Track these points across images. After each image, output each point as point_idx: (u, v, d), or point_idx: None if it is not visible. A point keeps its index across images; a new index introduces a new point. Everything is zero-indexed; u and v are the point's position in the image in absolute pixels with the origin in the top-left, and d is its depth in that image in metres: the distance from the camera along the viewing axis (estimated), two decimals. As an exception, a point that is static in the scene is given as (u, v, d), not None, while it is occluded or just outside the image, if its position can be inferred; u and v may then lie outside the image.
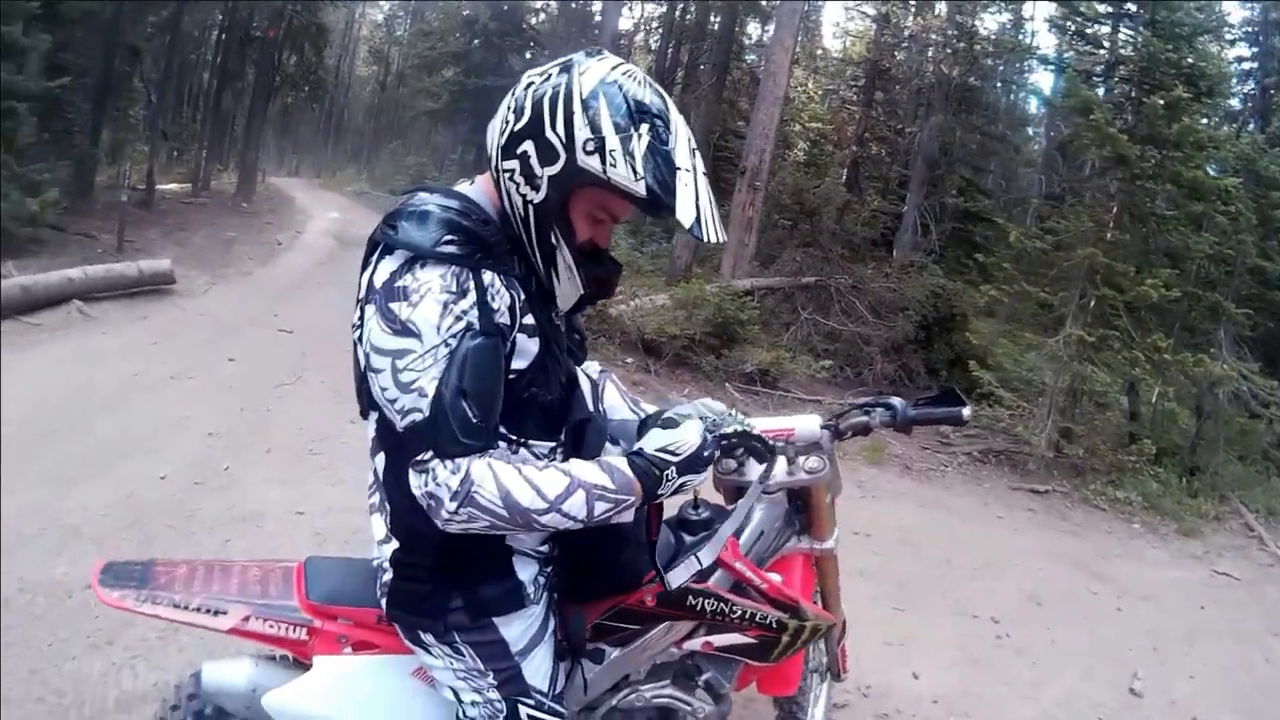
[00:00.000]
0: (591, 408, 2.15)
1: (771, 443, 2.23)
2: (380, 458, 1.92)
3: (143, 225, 15.38)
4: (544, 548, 2.05)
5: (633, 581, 2.25)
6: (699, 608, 2.31)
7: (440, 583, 1.95)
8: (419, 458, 1.66)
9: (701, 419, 2.05)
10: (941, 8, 21.50)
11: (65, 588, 4.13)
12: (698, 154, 1.75)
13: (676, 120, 1.73)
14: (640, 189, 1.66)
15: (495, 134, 1.76)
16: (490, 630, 1.99)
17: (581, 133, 1.65)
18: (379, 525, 1.99)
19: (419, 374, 1.63)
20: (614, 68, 1.72)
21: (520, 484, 1.67)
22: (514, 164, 1.72)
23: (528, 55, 23.87)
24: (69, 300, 9.99)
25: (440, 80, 25.73)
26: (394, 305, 1.65)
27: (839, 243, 15.28)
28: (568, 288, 1.84)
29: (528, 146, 1.69)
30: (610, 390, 2.42)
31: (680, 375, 11.76)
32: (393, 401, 1.67)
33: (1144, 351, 11.09)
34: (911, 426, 2.69)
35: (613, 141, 1.64)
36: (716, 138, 21.24)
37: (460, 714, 2.06)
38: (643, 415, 2.34)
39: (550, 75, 1.73)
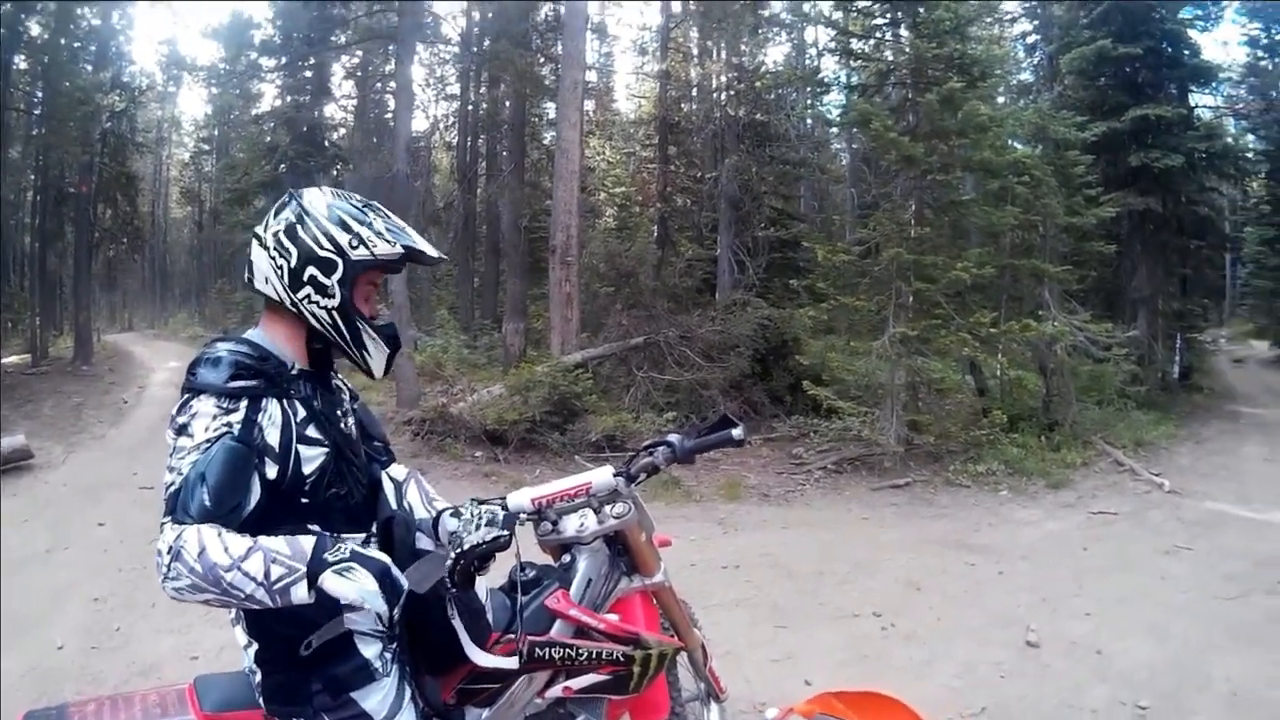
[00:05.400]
0: (396, 506, 2.49)
1: (500, 538, 2.31)
2: None
3: (-10, 403, 14.80)
4: (382, 627, 2.22)
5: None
6: (547, 657, 2.49)
7: (298, 671, 2.18)
8: (161, 521, 1.92)
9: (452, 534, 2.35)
10: (720, 54, 22.01)
11: (-11, 767, 4.18)
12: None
13: (377, 206, 2.31)
14: (399, 250, 2.22)
15: (274, 281, 2.21)
16: (352, 706, 2.20)
17: (343, 238, 2.19)
18: (240, 634, 2.26)
19: (183, 460, 1.95)
20: (320, 192, 2.28)
21: (215, 543, 1.85)
22: (306, 290, 2.19)
23: (334, 172, 23.53)
24: (-66, 490, 9.65)
25: (253, 211, 25.18)
26: (180, 418, 2.02)
27: (662, 298, 15.18)
28: (376, 354, 2.30)
29: (311, 271, 2.18)
30: (412, 489, 2.64)
31: (529, 458, 11.70)
32: (166, 481, 1.96)
33: (969, 331, 11.36)
34: (693, 455, 2.97)
35: (364, 232, 2.20)
36: (526, 221, 21.34)
37: None
38: (434, 513, 2.59)
39: (284, 218, 2.23)
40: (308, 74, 24.95)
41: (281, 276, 2.19)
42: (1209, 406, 17.72)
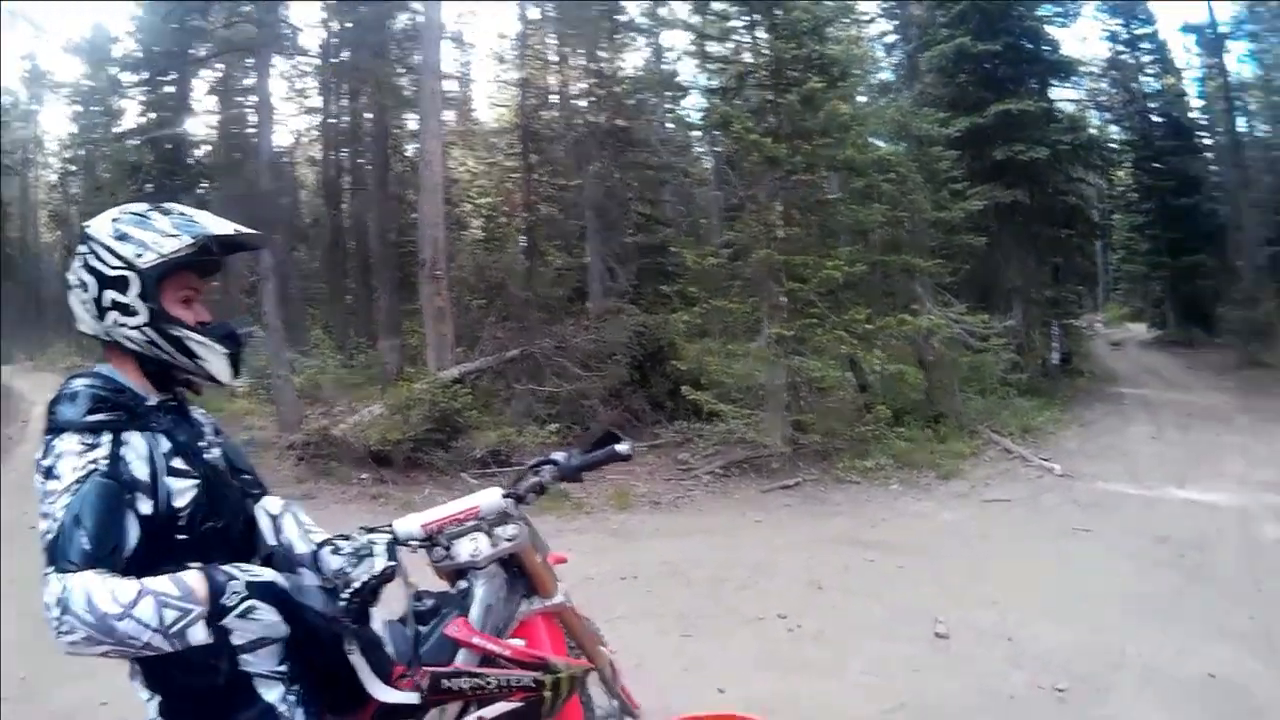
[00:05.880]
0: (274, 541, 2.39)
1: (387, 569, 2.26)
2: None
3: (-127, 449, 14.08)
4: (283, 668, 2.16)
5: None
6: (456, 689, 2.33)
7: None
8: (44, 572, 1.78)
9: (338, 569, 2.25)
10: (578, 60, 21.81)
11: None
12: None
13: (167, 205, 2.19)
14: (188, 240, 2.08)
15: (84, 315, 2.11)
16: None
17: (127, 250, 2.06)
18: (140, 688, 2.12)
19: (55, 505, 1.84)
20: (108, 213, 2.15)
21: (102, 590, 1.72)
22: (113, 314, 2.07)
23: (199, 190, 22.79)
24: None
25: (121, 234, 24.37)
26: (45, 460, 1.93)
27: (534, 309, 15.17)
28: (213, 358, 2.16)
29: (108, 295, 2.07)
30: (289, 522, 2.50)
31: (416, 477, 11.43)
32: (42, 529, 1.84)
33: (845, 329, 11.43)
34: (579, 473, 2.90)
35: (148, 237, 2.07)
36: (394, 235, 20.88)
37: None
38: (313, 546, 2.44)
39: (79, 253, 2.11)
40: (170, 89, 24.25)
41: (89, 310, 2.11)
42: (1091, 390, 18.38)
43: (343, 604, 2.12)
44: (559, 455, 2.92)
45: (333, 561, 2.33)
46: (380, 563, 2.21)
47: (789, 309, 11.62)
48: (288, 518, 2.52)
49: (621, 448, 2.89)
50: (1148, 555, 7.67)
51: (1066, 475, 10.87)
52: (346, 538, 2.37)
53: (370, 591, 2.17)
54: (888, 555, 7.68)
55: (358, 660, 2.23)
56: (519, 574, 2.76)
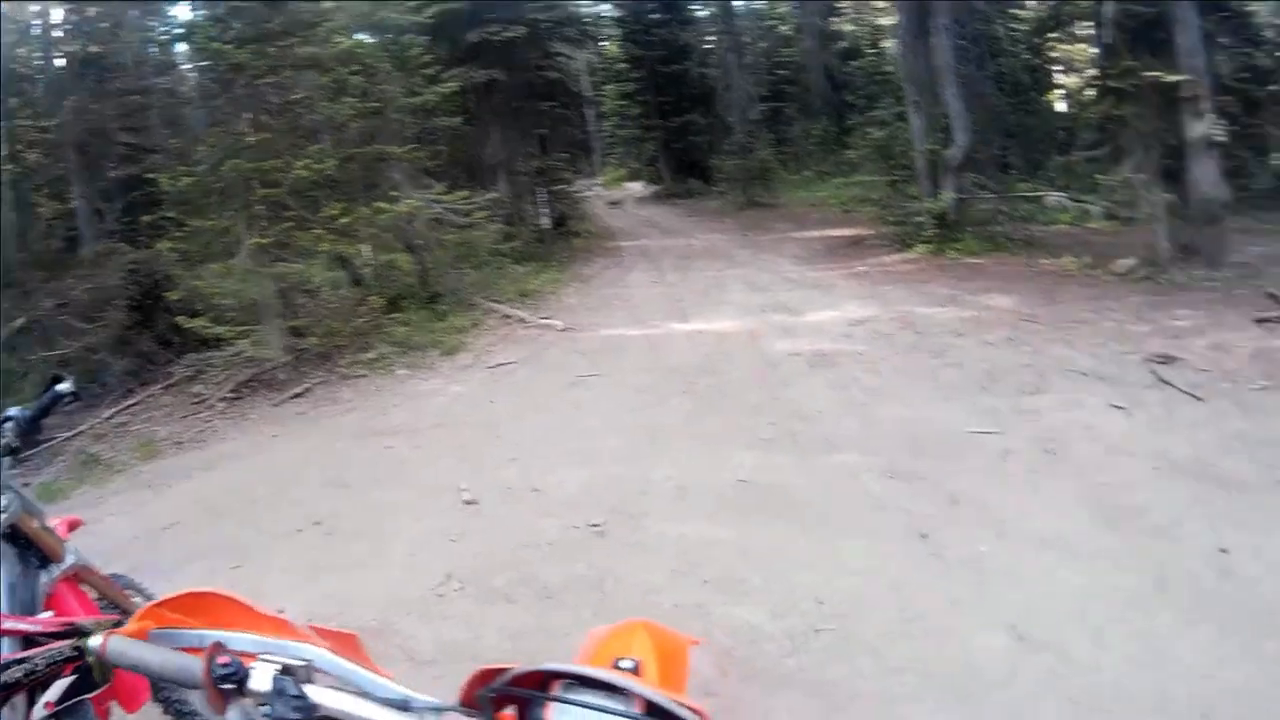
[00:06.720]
0: None
1: None
2: None
3: None
4: None
5: None
6: (11, 681, 2.27)
7: None
8: None
9: None
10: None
11: None
12: None
13: None
14: None
15: None
16: None
17: None
18: None
19: None
20: None
21: None
22: None
23: None
24: None
25: None
26: None
27: (32, 269, 14.00)
28: None
29: None
30: None
31: None
32: None
33: (323, 227, 11.66)
34: (37, 422, 2.93)
35: None
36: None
37: None
38: None
39: None
40: None
41: None
42: (590, 248, 19.63)
43: None
44: (13, 411, 2.91)
45: None
46: None
47: (266, 216, 11.62)
48: None
49: (62, 386, 2.99)
50: (660, 388, 8.21)
51: (569, 329, 11.45)
52: None
53: None
54: (405, 439, 7.89)
55: None
56: (25, 545, 2.72)
